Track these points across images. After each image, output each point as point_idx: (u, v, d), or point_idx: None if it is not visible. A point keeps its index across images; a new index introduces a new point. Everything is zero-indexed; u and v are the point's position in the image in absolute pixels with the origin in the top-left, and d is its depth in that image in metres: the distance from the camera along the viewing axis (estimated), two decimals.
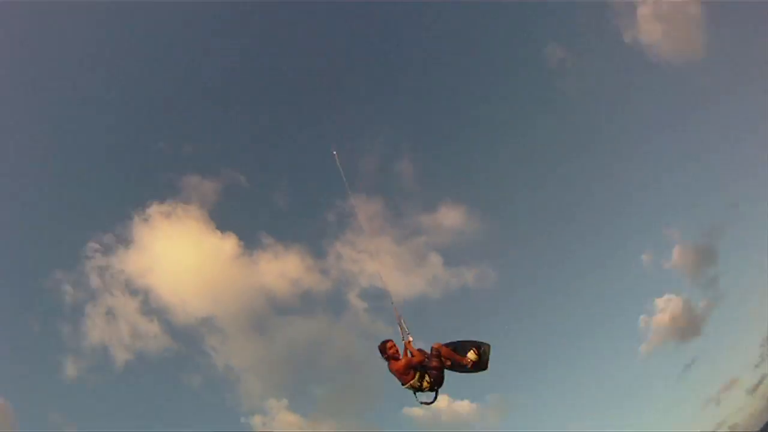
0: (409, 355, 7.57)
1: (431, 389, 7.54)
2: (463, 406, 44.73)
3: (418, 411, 38.71)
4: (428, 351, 7.60)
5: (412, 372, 7.40)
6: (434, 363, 7.48)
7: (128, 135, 61.34)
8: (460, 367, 7.72)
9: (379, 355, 7.65)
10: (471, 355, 7.68)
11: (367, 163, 54.07)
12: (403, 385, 7.55)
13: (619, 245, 61.03)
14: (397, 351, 7.61)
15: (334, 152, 9.81)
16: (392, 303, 8.17)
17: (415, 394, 7.63)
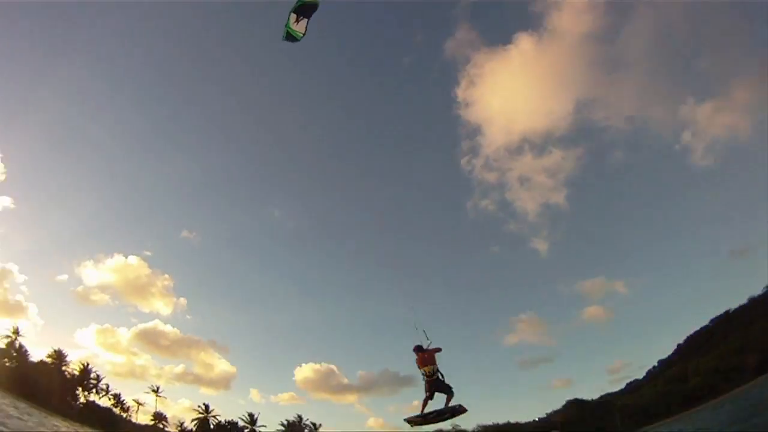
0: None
1: (430, 388, 12.01)
2: None
3: None
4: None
5: (432, 361, 12.10)
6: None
7: None
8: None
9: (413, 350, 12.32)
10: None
11: None
12: (420, 368, 12.16)
13: None
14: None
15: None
16: (416, 327, 12.39)
17: (423, 379, 12.06)
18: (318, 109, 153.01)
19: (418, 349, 12.28)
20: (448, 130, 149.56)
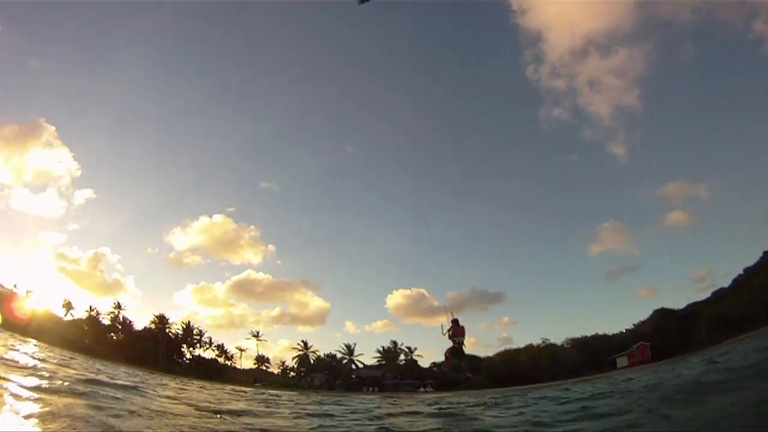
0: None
1: (454, 352, 16.86)
2: None
3: None
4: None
5: (463, 334, 16.91)
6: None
7: None
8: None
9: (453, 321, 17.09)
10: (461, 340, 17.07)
11: None
12: (452, 338, 16.70)
13: None
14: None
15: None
16: (445, 308, 17.65)
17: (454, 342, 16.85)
18: (375, 39, 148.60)
19: (456, 323, 16.74)
20: (507, 40, 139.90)
